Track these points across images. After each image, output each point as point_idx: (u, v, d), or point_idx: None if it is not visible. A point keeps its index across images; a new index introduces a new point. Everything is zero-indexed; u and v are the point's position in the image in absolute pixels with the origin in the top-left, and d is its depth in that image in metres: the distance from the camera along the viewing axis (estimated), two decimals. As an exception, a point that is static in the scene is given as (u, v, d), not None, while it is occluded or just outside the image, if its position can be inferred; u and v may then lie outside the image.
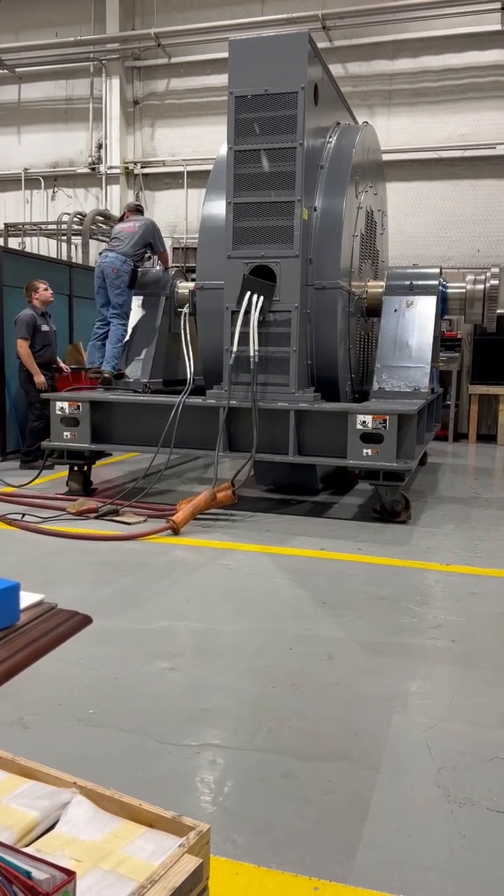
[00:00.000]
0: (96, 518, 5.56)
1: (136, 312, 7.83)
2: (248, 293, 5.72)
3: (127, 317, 7.33)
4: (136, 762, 2.37)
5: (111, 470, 7.89)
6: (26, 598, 1.71)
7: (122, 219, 7.77)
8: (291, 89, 5.59)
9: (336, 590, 4.16)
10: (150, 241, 7.40)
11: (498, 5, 10.31)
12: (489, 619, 3.76)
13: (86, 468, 6.49)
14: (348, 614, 3.77)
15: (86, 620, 1.59)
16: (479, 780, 2.29)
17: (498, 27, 10.54)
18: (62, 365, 8.03)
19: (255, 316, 5.69)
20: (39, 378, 7.51)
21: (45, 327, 7.71)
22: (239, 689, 2.91)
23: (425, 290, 6.86)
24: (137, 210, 7.78)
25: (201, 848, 1.61)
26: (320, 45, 6.95)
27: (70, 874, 1.42)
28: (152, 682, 2.96)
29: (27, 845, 1.65)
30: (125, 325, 7.27)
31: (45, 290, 7.72)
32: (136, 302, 7.88)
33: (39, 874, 1.41)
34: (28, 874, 1.41)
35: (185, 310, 7.24)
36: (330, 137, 6.47)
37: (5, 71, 12.72)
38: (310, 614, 3.76)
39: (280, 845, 1.99)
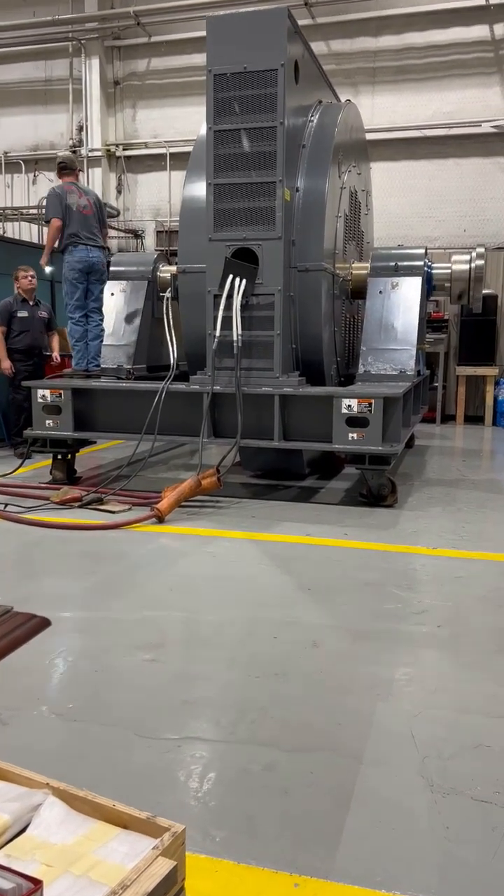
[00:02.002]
0: (80, 507, 5.50)
1: (119, 297, 7.73)
2: (231, 276, 5.63)
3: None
4: (115, 757, 2.33)
5: (95, 458, 7.82)
6: (-16, 600, 1.65)
7: (61, 174, 7.06)
8: (271, 67, 5.47)
9: (321, 576, 4.12)
10: None
11: (482, -20, 10.17)
12: (475, 603, 3.74)
13: (69, 456, 6.41)
14: (333, 600, 3.74)
15: (44, 623, 1.53)
16: (464, 769, 2.26)
17: (482, 2, 10.39)
18: (54, 353, 7.85)
19: (237, 300, 5.61)
20: (5, 364, 7.49)
21: (22, 313, 7.58)
22: (222, 679, 2.87)
23: (410, 272, 6.79)
24: (75, 169, 7.24)
25: (176, 850, 1.57)
26: (303, 21, 6.84)
27: (37, 883, 1.38)
28: (134, 674, 2.91)
29: (-3, 849, 1.61)
30: (103, 318, 7.16)
31: (24, 277, 7.58)
32: (120, 286, 7.78)
33: (5, 883, 1.36)
34: (-7, 883, 1.36)
35: (168, 294, 7.14)
36: (312, 116, 6.36)
37: (-18, 52, 12.47)
38: (295, 601, 3.72)
39: (260, 840, 1.95)
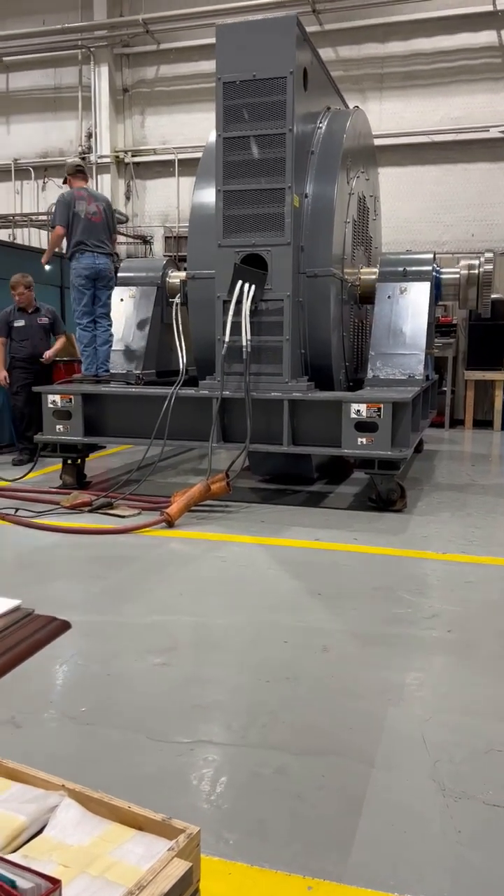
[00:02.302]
0: (90, 511, 5.52)
1: (128, 303, 7.76)
2: (240, 282, 5.66)
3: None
4: (128, 760, 2.35)
5: (105, 462, 7.85)
6: (2, 605, 1.67)
7: (75, 178, 7.05)
8: (280, 74, 5.50)
9: (331, 580, 4.13)
10: None
11: (490, -14, 10.21)
12: (485, 607, 3.74)
13: (79, 461, 6.45)
14: (343, 605, 3.75)
15: (64, 626, 1.55)
16: (475, 773, 2.27)
17: (490, 8, 10.42)
18: (47, 354, 7.70)
19: (246, 305, 5.64)
20: (0, 373, 7.55)
21: (19, 322, 7.60)
22: (232, 683, 2.88)
23: (419, 277, 6.80)
24: (81, 172, 7.22)
25: (191, 851, 1.59)
26: (310, 28, 6.88)
27: (55, 882, 1.40)
28: (145, 677, 2.93)
29: (14, 851, 1.63)
30: (111, 323, 7.19)
31: (13, 296, 7.57)
32: (129, 292, 7.82)
33: (24, 883, 1.38)
34: (12, 883, 1.38)
35: (177, 300, 7.18)
36: (320, 123, 6.39)
37: (-8, 60, 12.59)
38: (305, 606, 3.73)
39: (273, 843, 1.96)
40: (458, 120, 10.91)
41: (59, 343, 7.90)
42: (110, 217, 7.12)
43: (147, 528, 5.10)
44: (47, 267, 7.48)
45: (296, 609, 3.69)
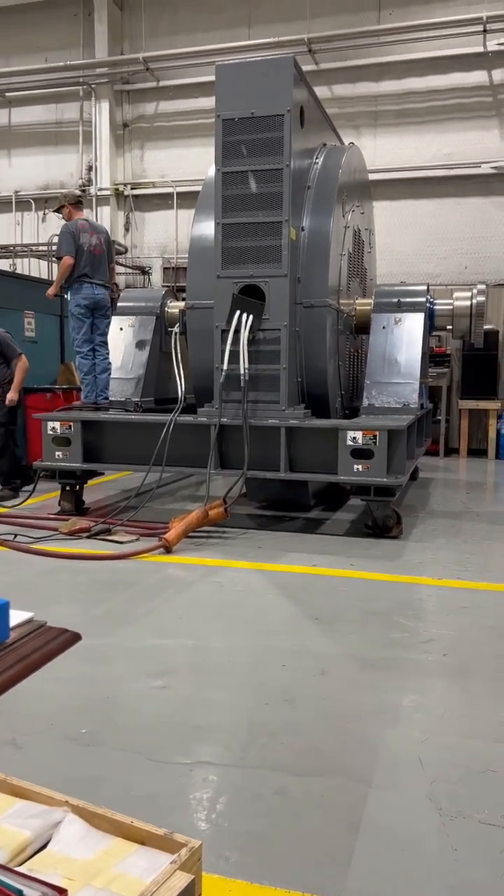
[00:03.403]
0: (88, 537, 5.56)
1: (127, 332, 7.88)
2: (238, 312, 5.78)
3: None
4: (128, 781, 2.37)
5: (104, 489, 7.89)
6: (16, 616, 1.73)
7: (75, 209, 7.19)
8: (277, 112, 5.68)
9: (328, 605, 4.17)
10: None
11: (480, 28, 10.53)
12: (480, 632, 3.78)
13: (78, 487, 6.50)
14: (341, 629, 3.78)
15: (75, 638, 1.60)
16: (471, 793, 2.30)
17: (480, 49, 10.74)
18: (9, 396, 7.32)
19: (244, 334, 5.74)
20: None
21: None
22: (232, 705, 2.91)
23: (413, 308, 6.93)
24: (81, 203, 7.41)
25: (193, 864, 1.62)
26: (306, 67, 7.10)
27: (62, 892, 1.43)
28: (144, 700, 2.96)
29: (20, 865, 1.66)
30: (109, 352, 7.29)
31: None
32: (128, 321, 7.94)
33: (31, 892, 1.42)
34: (20, 893, 1.41)
35: (176, 329, 7.29)
36: (316, 158, 6.57)
37: (-4, 95, 12.88)
38: (302, 630, 3.77)
39: (273, 862, 1.99)
40: (450, 156, 11.18)
41: (17, 374, 7.23)
42: (110, 249, 7.27)
43: (145, 554, 5.13)
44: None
45: (293, 633, 3.72)
